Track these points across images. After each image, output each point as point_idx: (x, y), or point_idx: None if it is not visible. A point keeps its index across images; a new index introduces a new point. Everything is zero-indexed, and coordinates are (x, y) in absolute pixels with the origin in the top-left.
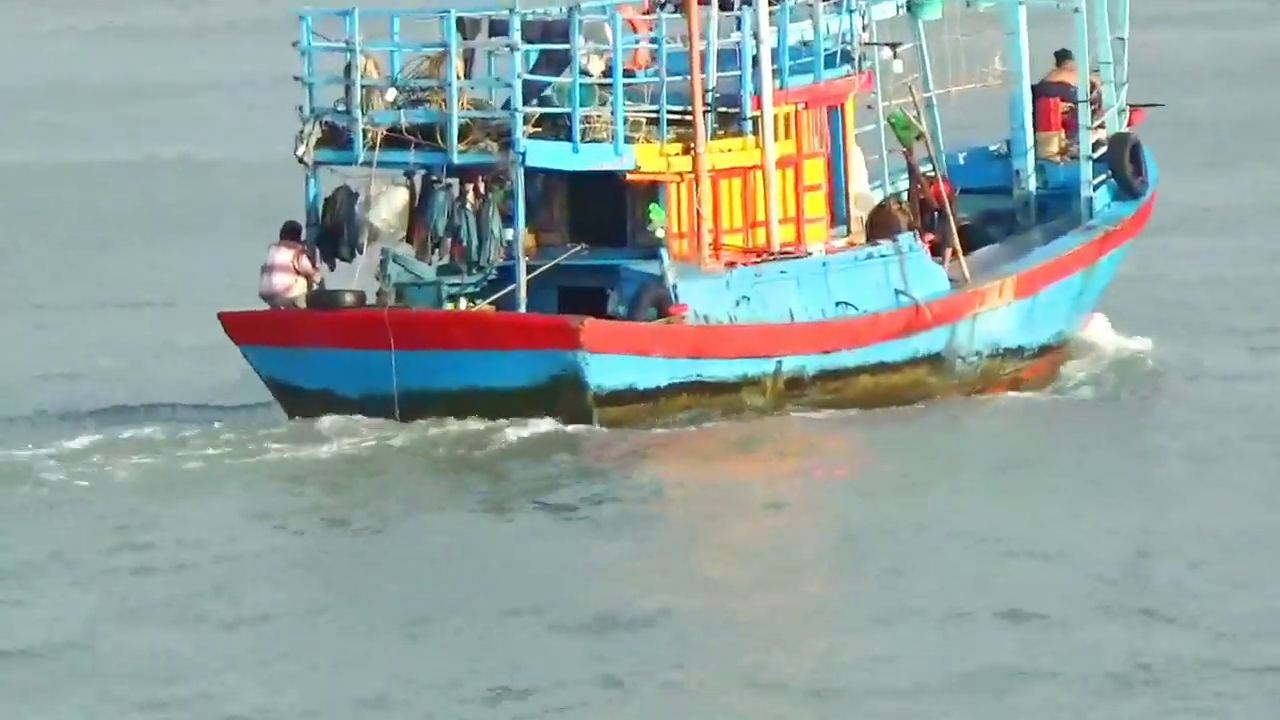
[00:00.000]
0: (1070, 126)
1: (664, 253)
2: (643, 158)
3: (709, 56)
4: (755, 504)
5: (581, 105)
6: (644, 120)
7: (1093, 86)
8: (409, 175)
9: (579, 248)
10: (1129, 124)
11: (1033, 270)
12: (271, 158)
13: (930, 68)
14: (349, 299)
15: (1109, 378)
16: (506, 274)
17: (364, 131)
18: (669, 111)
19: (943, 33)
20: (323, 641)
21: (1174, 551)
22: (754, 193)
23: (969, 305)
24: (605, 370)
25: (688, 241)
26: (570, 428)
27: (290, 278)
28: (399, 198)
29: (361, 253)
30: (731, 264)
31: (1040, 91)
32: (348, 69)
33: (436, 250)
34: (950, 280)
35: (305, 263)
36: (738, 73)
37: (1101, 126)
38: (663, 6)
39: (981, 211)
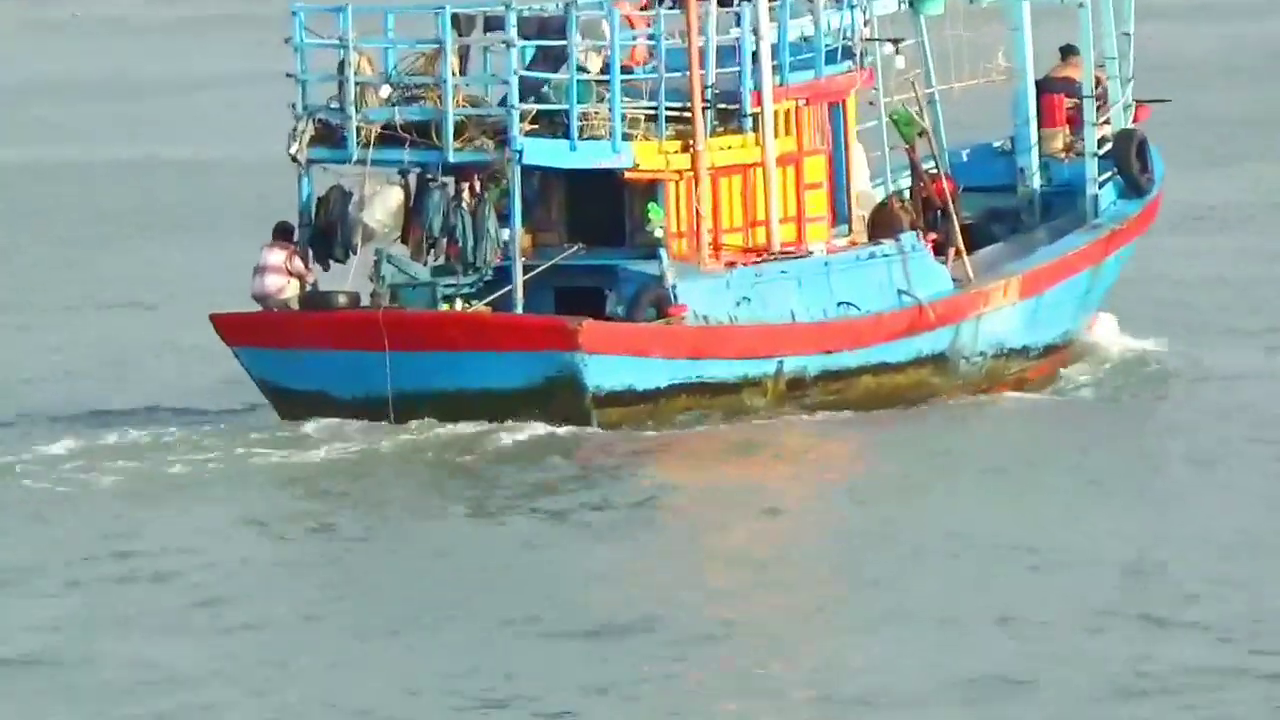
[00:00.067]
0: (1075, 123)
1: (663, 252)
2: (641, 155)
3: (708, 52)
4: (756, 507)
5: (579, 102)
6: (642, 117)
7: (1098, 82)
8: (404, 174)
9: (576, 247)
10: (1135, 120)
11: (1037, 269)
12: (268, 156)
13: (933, 63)
14: (343, 300)
15: (1114, 379)
16: (503, 274)
17: (358, 129)
18: (668, 108)
19: (945, 27)
20: (313, 650)
21: (1177, 556)
22: (754, 191)
23: (973, 305)
24: (604, 371)
25: (687, 241)
26: (568, 430)
27: (283, 279)
28: (394, 197)
29: (355, 253)
30: (732, 264)
31: (1045, 87)
32: (341, 66)
33: (432, 250)
34: (954, 280)
35: (298, 264)
36: (737, 69)
37: (1107, 122)
38: (661, 1)
39: (985, 210)
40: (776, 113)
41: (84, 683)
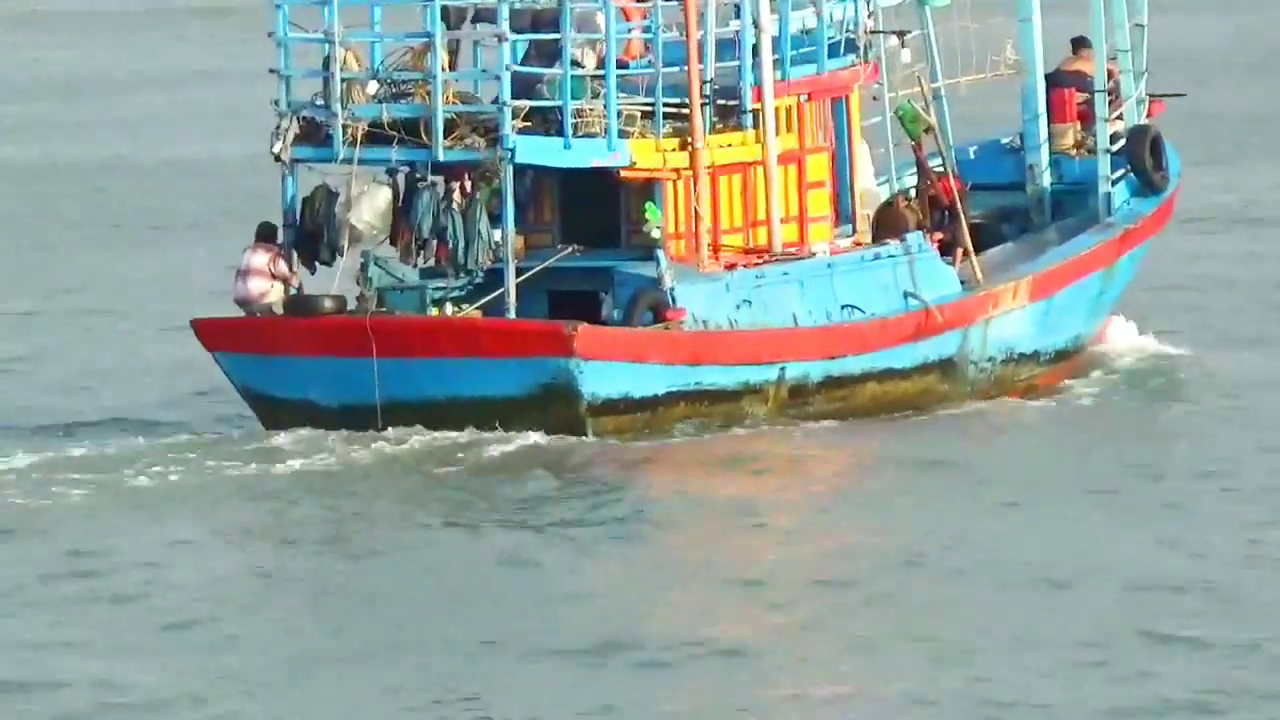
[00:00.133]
0: (1087, 118)
1: (660, 254)
2: (638, 153)
3: (707, 46)
4: (755, 521)
5: (573, 98)
6: (639, 114)
7: (1110, 75)
8: (392, 173)
9: (571, 249)
10: (1149, 115)
11: (1048, 271)
12: (251, 155)
13: (939, 57)
14: (328, 304)
15: (1127, 386)
16: (495, 277)
17: (344, 127)
18: (665, 104)
19: (952, 20)
20: (284, 671)
21: (1191, 574)
22: (755, 190)
23: (981, 308)
24: (599, 379)
25: (685, 242)
26: (562, 439)
27: (266, 282)
28: (381, 197)
29: (342, 255)
30: (731, 266)
31: (1055, 81)
32: (326, 61)
33: (421, 252)
34: (961, 282)
35: (282, 266)
36: (737, 63)
37: (1120, 118)
38: None
39: (994, 209)
40: (778, 109)
41: (44, 709)
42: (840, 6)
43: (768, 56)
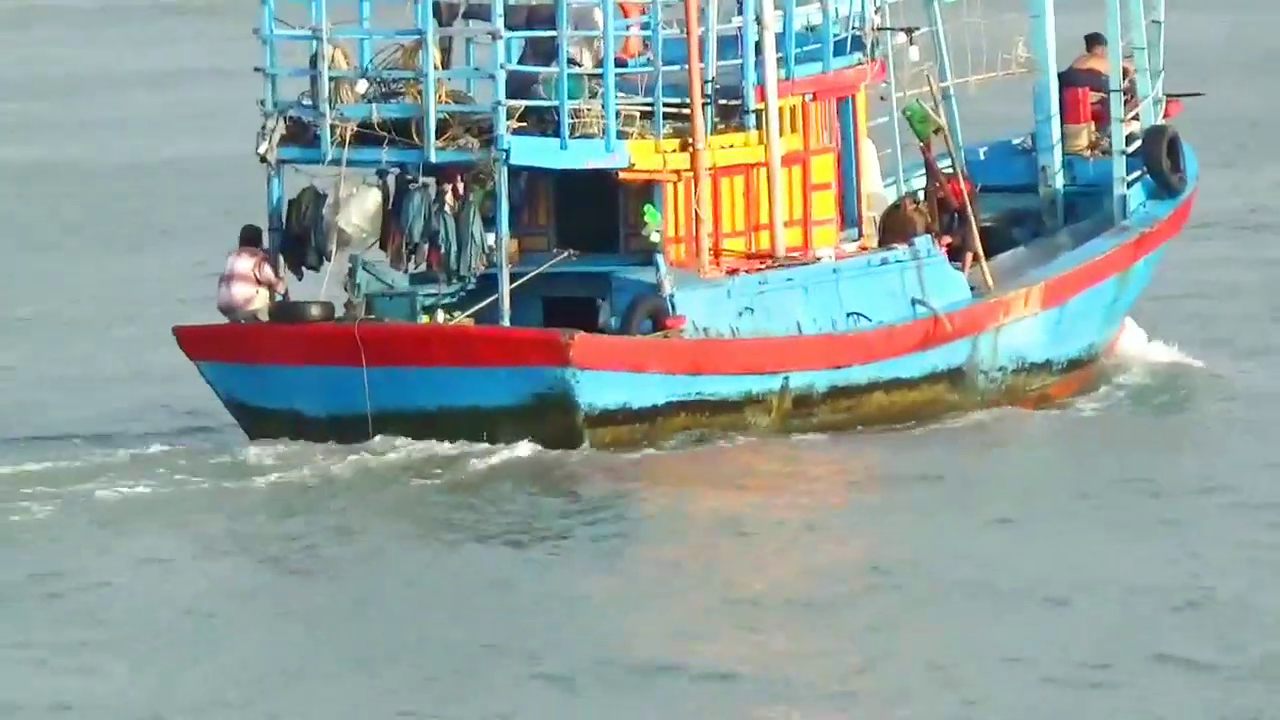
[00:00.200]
0: (1101, 118)
1: (660, 259)
2: (637, 155)
3: (708, 43)
4: (758, 536)
5: (570, 97)
6: (638, 114)
7: (1126, 74)
8: (382, 175)
9: (567, 254)
10: (1165, 115)
11: (1061, 276)
12: (235, 156)
13: (949, 55)
14: (316, 311)
15: (1142, 397)
16: (488, 283)
17: (332, 127)
18: (665, 104)
19: (962, 16)
20: (274, 690)
21: (1194, 592)
22: (758, 193)
23: (992, 315)
24: (596, 388)
25: (686, 246)
26: (558, 451)
27: (251, 288)
28: (371, 200)
29: (329, 260)
30: (733, 271)
31: (1068, 80)
32: (314, 59)
33: (412, 257)
34: (971, 288)
35: (268, 272)
36: (739, 61)
37: (1135, 118)
38: None
39: (1005, 211)
40: (781, 109)
41: None
42: (846, 2)
43: (771, 54)
